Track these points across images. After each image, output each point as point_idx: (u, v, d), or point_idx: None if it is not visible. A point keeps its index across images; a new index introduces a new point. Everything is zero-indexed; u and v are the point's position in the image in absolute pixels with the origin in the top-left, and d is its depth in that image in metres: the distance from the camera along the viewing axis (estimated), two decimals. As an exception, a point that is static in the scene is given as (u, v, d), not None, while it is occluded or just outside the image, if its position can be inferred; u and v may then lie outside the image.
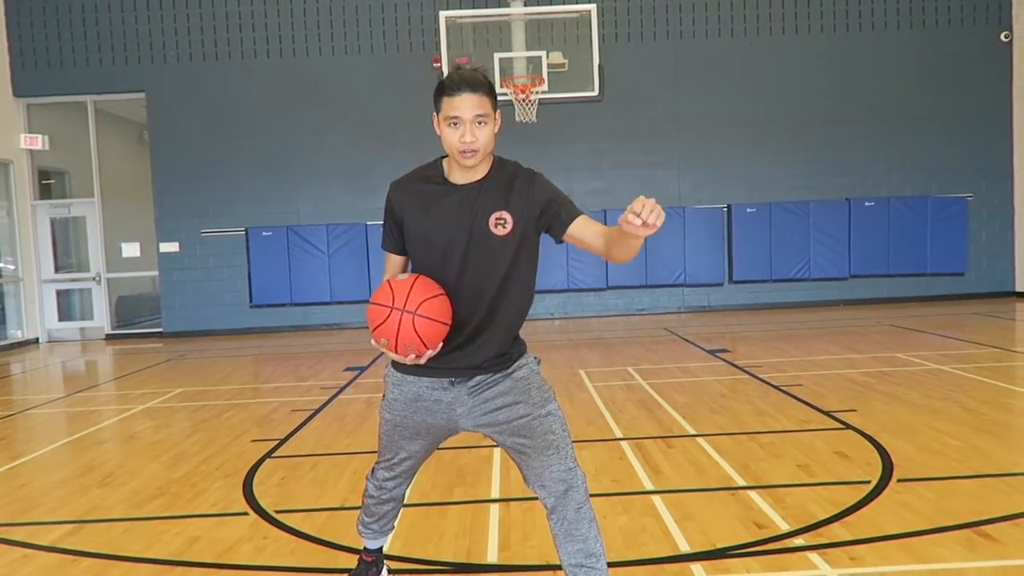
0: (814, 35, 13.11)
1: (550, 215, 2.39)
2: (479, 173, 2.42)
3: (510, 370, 2.50)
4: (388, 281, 2.37)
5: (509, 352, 2.50)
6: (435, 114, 2.38)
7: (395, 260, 2.59)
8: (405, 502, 3.95)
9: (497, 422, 2.47)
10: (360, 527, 2.88)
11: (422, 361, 2.35)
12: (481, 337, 2.44)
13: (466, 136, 2.30)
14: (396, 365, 2.54)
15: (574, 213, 2.39)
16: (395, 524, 2.93)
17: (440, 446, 2.85)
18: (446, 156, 2.44)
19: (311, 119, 12.95)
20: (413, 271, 2.50)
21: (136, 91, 13.03)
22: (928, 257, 13.08)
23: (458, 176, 2.42)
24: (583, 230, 2.36)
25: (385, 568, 2.98)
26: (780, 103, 13.10)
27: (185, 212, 12.99)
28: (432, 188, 2.44)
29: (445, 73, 9.72)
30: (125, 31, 12.93)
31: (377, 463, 2.72)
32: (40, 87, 12.99)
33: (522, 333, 2.63)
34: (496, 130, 2.37)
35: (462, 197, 2.40)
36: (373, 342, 2.36)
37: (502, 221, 2.38)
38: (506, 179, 2.42)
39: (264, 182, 13.01)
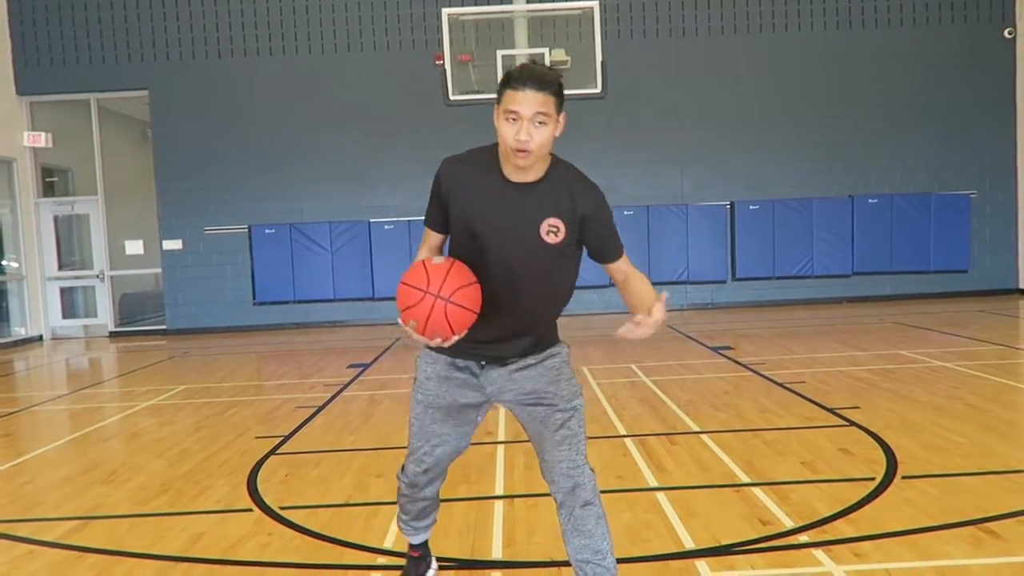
0: (817, 32, 13.08)
1: (595, 240, 2.40)
2: (535, 173, 2.31)
3: (543, 356, 2.49)
4: (423, 263, 2.29)
5: (539, 350, 2.50)
6: (496, 104, 2.26)
7: (434, 237, 2.49)
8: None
9: (523, 403, 2.47)
10: (400, 524, 2.85)
11: (446, 344, 2.30)
12: (517, 337, 2.44)
13: (521, 134, 2.18)
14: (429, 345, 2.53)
15: (616, 253, 2.44)
16: (436, 517, 2.88)
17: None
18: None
19: (314, 117, 12.95)
20: (452, 246, 2.46)
21: (139, 89, 13.04)
22: (931, 254, 13.06)
23: (512, 172, 2.31)
24: (619, 269, 2.47)
25: (435, 563, 2.98)
26: (783, 100, 13.08)
27: (188, 210, 13.00)
28: (486, 179, 2.33)
29: (447, 71, 9.74)
30: (128, 29, 12.94)
31: (407, 459, 2.65)
32: (43, 85, 13.00)
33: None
34: (558, 133, 2.26)
35: (515, 196, 2.31)
36: (400, 322, 2.29)
37: (555, 229, 2.31)
38: (563, 185, 2.34)
39: (267, 180, 13.02)
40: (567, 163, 2.41)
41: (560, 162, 2.38)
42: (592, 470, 2.43)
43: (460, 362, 2.49)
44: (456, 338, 2.29)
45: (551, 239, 2.31)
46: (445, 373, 2.49)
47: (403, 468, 2.69)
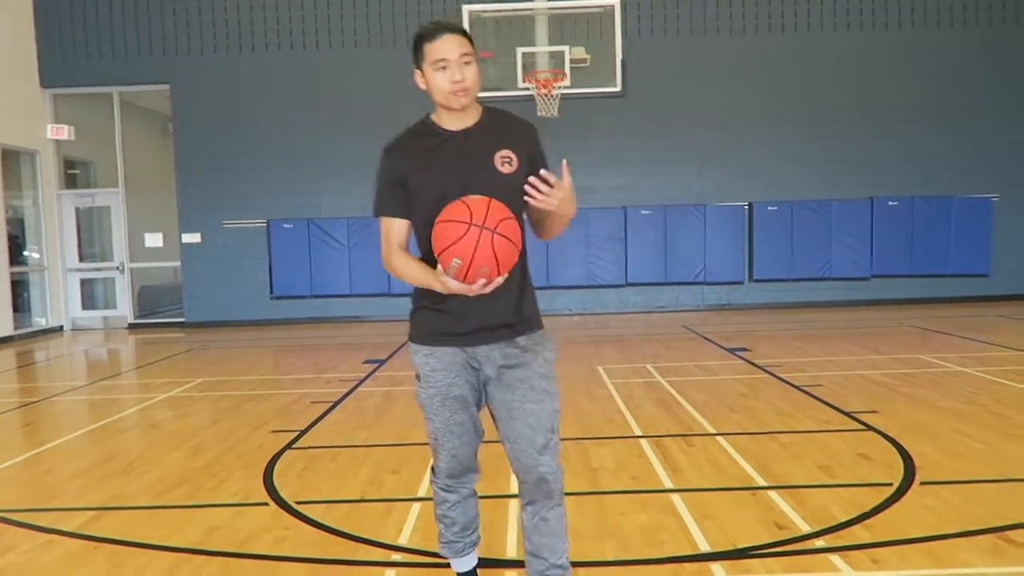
0: (839, 32, 12.97)
1: (534, 169, 2.39)
2: (471, 118, 2.43)
3: (537, 343, 2.46)
4: (462, 199, 2.21)
5: (527, 307, 2.45)
6: (417, 70, 2.39)
7: (399, 225, 2.43)
8: (422, 495, 3.98)
9: (502, 395, 2.45)
10: (442, 547, 2.70)
11: (488, 289, 2.19)
12: (498, 295, 2.33)
13: (456, 75, 2.31)
14: (419, 339, 2.47)
15: None
16: (480, 535, 2.74)
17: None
18: (430, 113, 2.47)
19: (333, 112, 12.99)
20: (419, 229, 2.41)
21: (160, 83, 13.14)
22: (952, 258, 12.92)
23: (451, 124, 2.42)
24: None
25: None
26: (803, 100, 12.97)
27: (207, 203, 13.08)
28: (428, 141, 2.42)
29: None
30: (150, 23, 13.03)
31: (437, 461, 2.58)
32: (67, 78, 13.12)
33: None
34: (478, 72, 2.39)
35: (461, 142, 2.40)
36: (440, 267, 2.18)
37: (508, 159, 2.38)
38: (504, 121, 2.46)
39: (286, 175, 13.08)
40: (499, 108, 2.52)
41: (492, 108, 2.50)
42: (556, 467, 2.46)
43: (457, 349, 2.43)
44: (499, 280, 2.19)
45: (505, 168, 2.37)
46: (450, 359, 2.43)
47: (434, 472, 2.62)
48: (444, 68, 2.31)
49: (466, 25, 10.08)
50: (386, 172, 2.43)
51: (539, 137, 2.49)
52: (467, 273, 2.15)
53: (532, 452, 2.41)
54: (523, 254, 2.42)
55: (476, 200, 2.19)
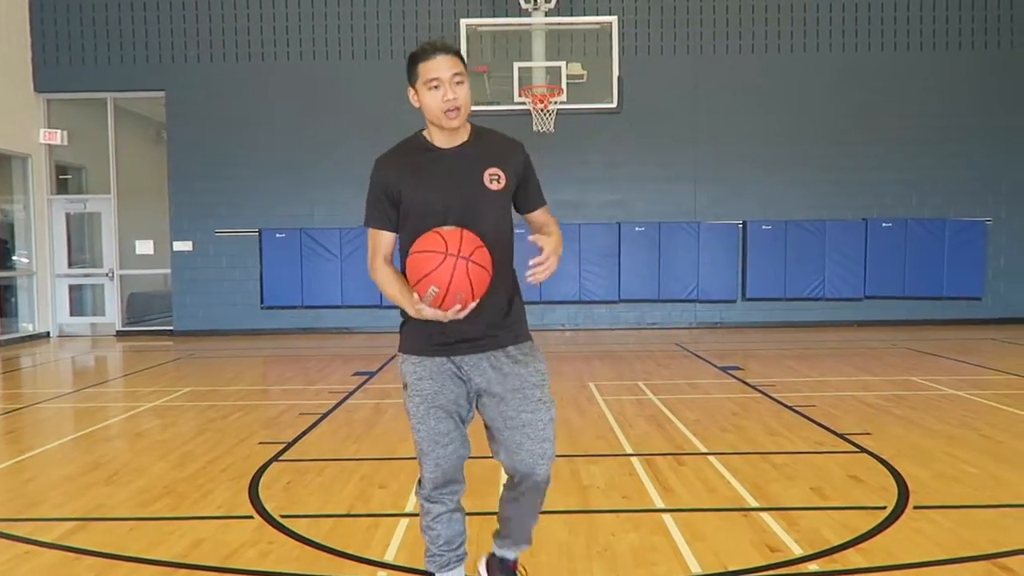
0: (835, 53, 13.04)
1: (531, 189, 2.59)
2: (462, 136, 2.51)
3: (526, 353, 2.54)
4: (436, 230, 2.32)
5: (514, 318, 2.54)
6: (410, 88, 2.46)
7: (386, 238, 2.53)
8: (410, 511, 3.92)
9: (496, 405, 2.53)
10: (427, 560, 2.71)
11: (463, 315, 2.31)
12: (489, 306, 2.43)
13: (448, 94, 2.38)
14: (408, 349, 2.54)
15: (541, 201, 2.63)
16: (466, 551, 2.75)
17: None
18: (423, 129, 2.54)
19: (328, 122, 12.97)
20: (405, 242, 2.48)
21: (155, 90, 13.10)
22: (945, 280, 12.95)
23: (442, 141, 2.49)
24: (539, 220, 2.63)
25: None
26: (799, 120, 13.03)
27: (200, 211, 13.02)
28: (420, 157, 2.49)
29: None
30: (147, 30, 13.01)
31: (423, 471, 2.61)
32: (61, 83, 13.08)
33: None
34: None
35: (452, 159, 2.48)
36: (416, 296, 2.28)
37: (496, 176, 2.47)
38: (493, 140, 2.55)
39: (279, 184, 13.04)
40: (488, 127, 2.60)
41: (481, 127, 2.58)
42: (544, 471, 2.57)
43: (444, 359, 2.51)
44: (473, 305, 2.30)
45: (494, 186, 2.46)
46: (436, 368, 2.51)
47: (420, 483, 2.64)
48: (436, 87, 2.39)
49: (463, 39, 10.10)
50: (377, 185, 2.50)
51: (527, 154, 2.58)
52: (444, 300, 2.26)
53: (529, 461, 2.51)
54: (512, 268, 2.55)
55: (449, 231, 2.30)
